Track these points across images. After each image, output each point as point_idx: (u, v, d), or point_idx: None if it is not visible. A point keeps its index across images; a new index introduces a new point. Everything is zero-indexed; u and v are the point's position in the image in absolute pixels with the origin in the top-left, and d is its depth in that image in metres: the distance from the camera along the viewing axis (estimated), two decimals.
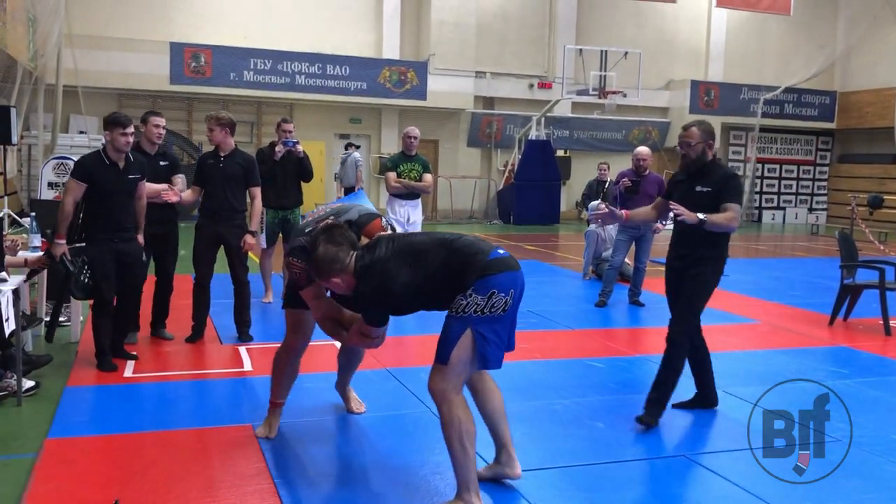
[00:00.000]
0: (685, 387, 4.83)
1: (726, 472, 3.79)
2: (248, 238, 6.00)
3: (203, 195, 6.10)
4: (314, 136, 18.42)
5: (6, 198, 10.24)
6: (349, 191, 13.19)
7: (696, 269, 4.41)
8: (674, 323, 4.48)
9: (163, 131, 5.95)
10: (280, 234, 7.49)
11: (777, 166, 24.44)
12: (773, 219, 24.03)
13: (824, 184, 24.94)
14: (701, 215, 4.22)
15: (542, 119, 19.65)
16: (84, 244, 5.28)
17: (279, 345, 4.19)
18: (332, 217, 3.68)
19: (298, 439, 4.11)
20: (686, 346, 4.46)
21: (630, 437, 4.26)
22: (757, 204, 24.07)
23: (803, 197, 24.80)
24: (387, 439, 4.19)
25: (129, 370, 5.26)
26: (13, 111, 9.48)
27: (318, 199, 16.09)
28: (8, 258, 5.00)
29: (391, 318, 3.61)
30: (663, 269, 4.71)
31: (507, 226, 18.95)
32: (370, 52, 19.46)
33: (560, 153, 20.66)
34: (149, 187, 5.63)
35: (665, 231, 7.13)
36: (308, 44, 18.46)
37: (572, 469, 3.83)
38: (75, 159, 9.27)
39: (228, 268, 6.15)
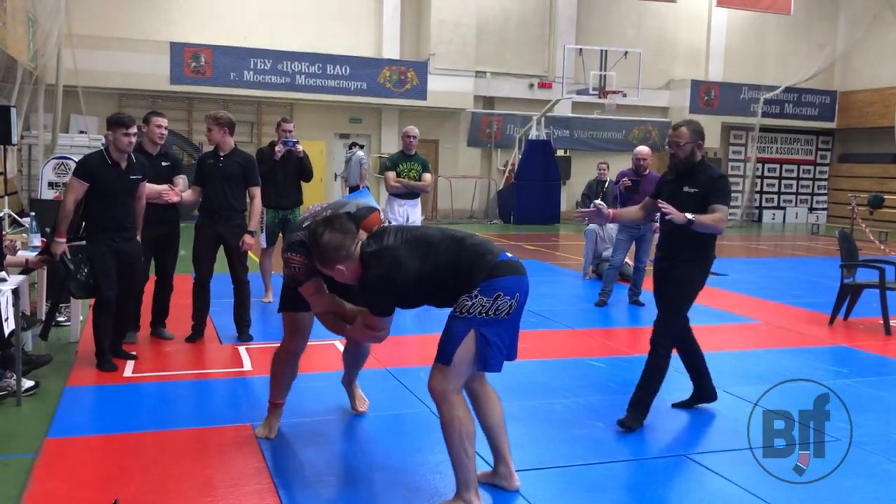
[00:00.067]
0: (684, 387, 4.83)
1: (726, 472, 3.79)
2: (247, 238, 6.00)
3: (203, 195, 6.10)
4: (314, 136, 18.41)
5: (6, 198, 10.23)
6: (354, 190, 13.23)
7: (681, 269, 4.37)
8: (658, 324, 4.44)
9: (165, 132, 5.96)
10: (280, 234, 7.48)
11: (777, 166, 24.44)
12: (773, 218, 24.02)
13: (824, 183, 24.93)
14: (689, 215, 4.18)
15: (543, 119, 19.64)
16: (84, 243, 5.29)
17: (278, 345, 4.18)
18: (329, 211, 3.65)
19: (298, 439, 4.11)
20: (669, 348, 4.42)
21: (630, 437, 4.25)
22: (757, 203, 24.07)
23: (803, 196, 24.79)
24: (386, 439, 4.19)
25: (128, 370, 5.26)
26: (13, 111, 9.47)
27: (319, 199, 16.09)
28: (8, 258, 5.00)
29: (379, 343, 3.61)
30: None
31: (508, 225, 18.95)
32: (370, 51, 19.46)
33: (560, 153, 20.66)
34: (149, 188, 5.63)
35: None
36: (308, 44, 18.45)
37: (572, 468, 3.82)
38: (75, 159, 9.28)
39: (228, 267, 6.15)
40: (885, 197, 19.36)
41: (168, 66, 17.12)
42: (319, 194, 17.59)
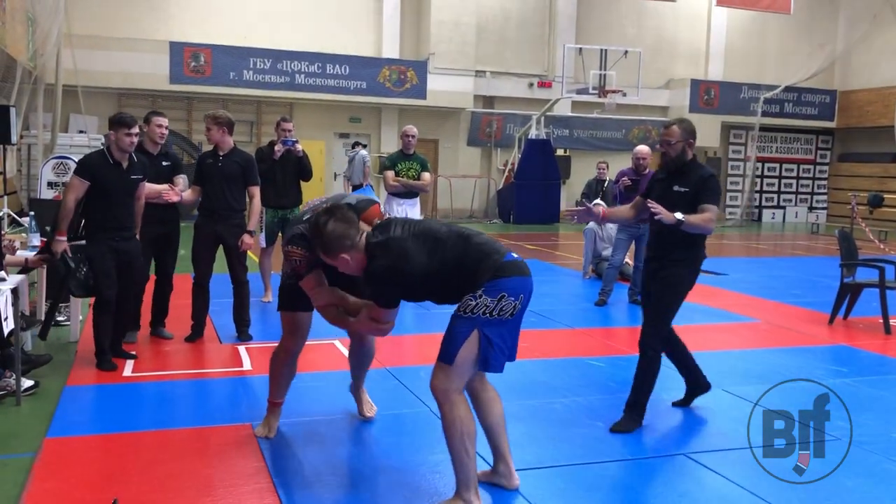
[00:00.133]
0: (681, 385, 4.83)
1: (725, 471, 3.79)
2: (246, 238, 5.99)
3: (202, 194, 6.10)
4: (314, 136, 18.42)
5: (6, 197, 10.22)
6: (357, 188, 13.28)
7: (670, 269, 4.34)
8: (646, 325, 4.40)
9: (165, 131, 5.96)
10: (279, 234, 7.48)
11: (777, 165, 24.44)
12: (773, 218, 24.02)
13: (824, 183, 24.93)
14: (679, 215, 4.15)
15: (542, 118, 19.64)
16: (84, 242, 5.29)
17: (277, 345, 4.17)
18: (329, 203, 3.62)
19: (297, 439, 4.10)
20: (659, 349, 4.39)
21: (630, 437, 4.25)
22: (757, 203, 24.07)
23: (803, 196, 24.79)
24: (386, 438, 4.18)
25: (128, 369, 5.26)
26: (13, 111, 9.46)
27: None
28: (7, 258, 5.00)
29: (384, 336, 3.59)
30: None
31: (507, 225, 18.95)
32: (370, 51, 19.46)
33: (560, 152, 20.65)
34: (149, 187, 5.63)
35: None
36: (308, 43, 18.45)
37: (572, 468, 3.82)
38: (75, 159, 9.28)
39: (227, 267, 6.15)
40: (885, 196, 19.37)
41: (167, 65, 17.12)
42: (319, 194, 17.52)
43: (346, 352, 5.76)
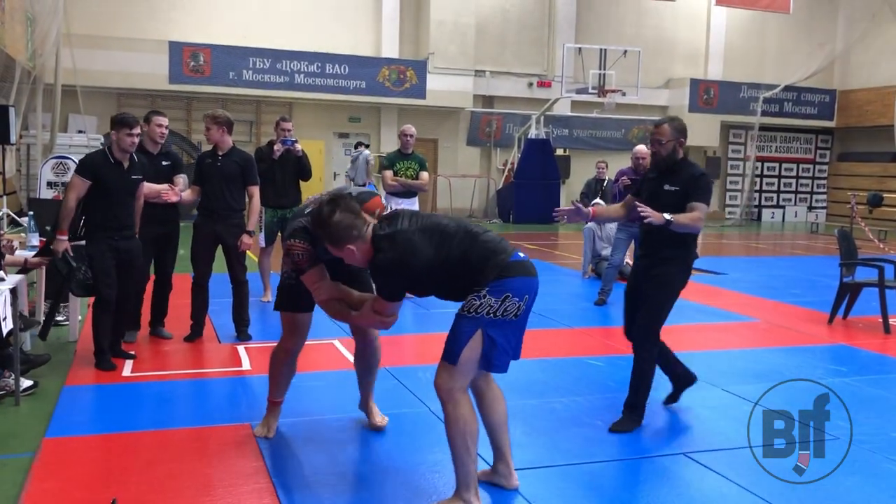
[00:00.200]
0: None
1: (725, 471, 3.78)
2: (245, 238, 5.99)
3: (201, 194, 6.10)
4: (313, 135, 18.42)
5: (5, 197, 10.22)
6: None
7: (661, 268, 4.30)
8: (640, 325, 4.36)
9: (165, 131, 5.95)
10: (279, 234, 7.48)
11: (777, 164, 24.45)
12: (772, 217, 24.03)
13: (824, 182, 24.94)
14: (667, 215, 4.10)
15: (542, 118, 19.64)
16: (84, 242, 5.29)
17: (276, 344, 4.17)
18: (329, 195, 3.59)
19: (296, 439, 4.10)
20: (654, 349, 4.37)
21: (629, 436, 4.25)
22: (756, 202, 24.08)
23: (803, 195, 24.80)
24: (385, 438, 4.18)
25: (127, 369, 5.25)
26: (12, 110, 9.47)
27: None
28: (7, 257, 5.00)
29: (387, 329, 3.57)
30: None
31: (507, 224, 18.94)
32: (369, 50, 19.45)
33: (559, 152, 20.65)
34: (149, 187, 5.63)
35: None
36: (307, 43, 18.45)
37: (571, 467, 3.82)
38: (74, 159, 9.29)
39: (227, 267, 6.14)
40: (885, 195, 19.37)
41: (167, 65, 17.12)
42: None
43: (345, 351, 5.78)
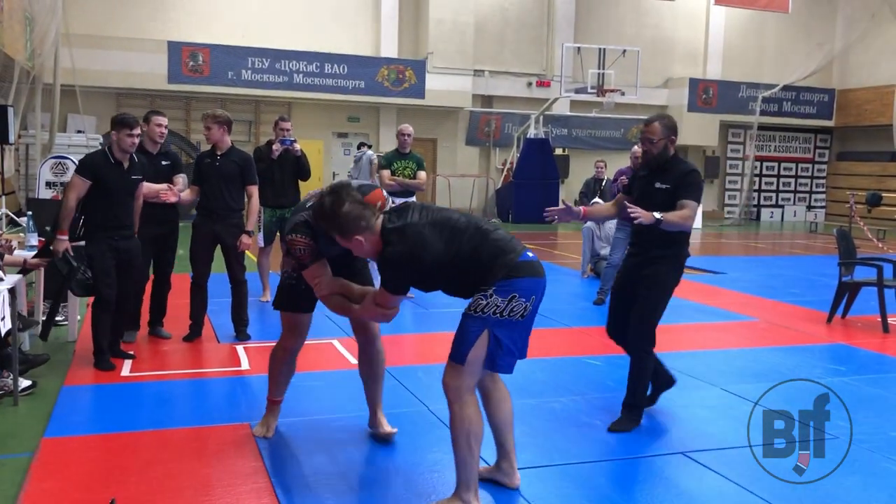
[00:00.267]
0: (679, 384, 4.83)
1: (724, 470, 3.78)
2: (244, 238, 5.99)
3: (200, 194, 6.09)
4: (312, 135, 18.42)
5: (3, 197, 10.22)
6: None
7: (651, 268, 4.28)
8: (634, 326, 4.34)
9: (165, 130, 5.95)
10: (277, 234, 7.48)
11: (775, 164, 24.46)
12: (771, 216, 24.05)
13: (823, 181, 24.96)
14: (657, 214, 4.07)
15: (541, 117, 19.64)
16: (84, 242, 5.29)
17: (275, 344, 4.16)
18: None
19: (295, 438, 4.10)
20: (649, 348, 4.35)
21: (628, 435, 4.25)
22: (755, 202, 24.08)
23: (802, 195, 24.81)
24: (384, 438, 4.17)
25: (126, 369, 5.25)
26: (10, 110, 9.46)
27: None
28: (6, 257, 4.99)
29: (388, 322, 3.56)
30: None
31: (506, 224, 18.93)
32: (368, 50, 19.45)
33: (558, 151, 20.66)
34: (148, 187, 5.63)
35: None
36: (306, 42, 18.45)
37: (570, 467, 3.82)
38: (73, 159, 9.28)
39: (225, 267, 6.14)
40: (883, 195, 19.38)
41: (166, 65, 17.12)
42: None
43: (344, 351, 5.78)
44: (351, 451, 4.03)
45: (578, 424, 4.41)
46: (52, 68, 13.01)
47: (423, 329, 6.77)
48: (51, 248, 5.14)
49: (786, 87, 22.33)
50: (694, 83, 22.02)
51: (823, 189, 24.92)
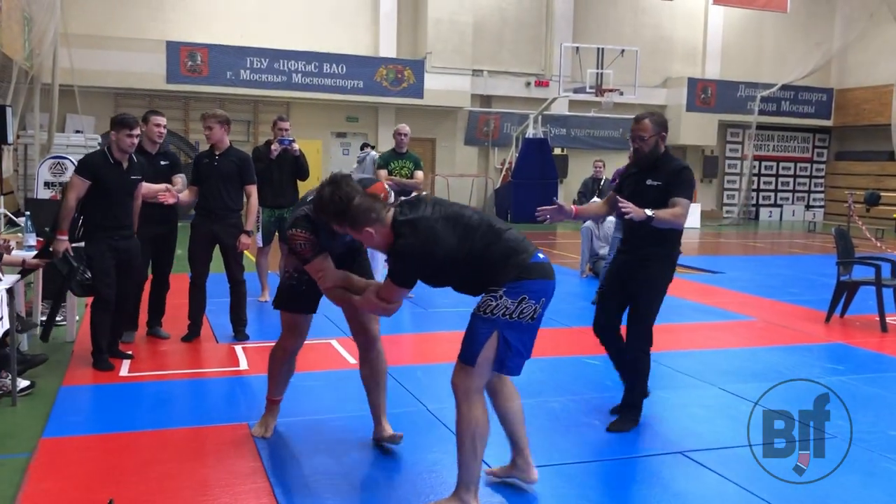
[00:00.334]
0: (678, 384, 4.83)
1: (723, 470, 3.78)
2: (244, 238, 5.99)
3: (199, 194, 6.09)
4: (311, 135, 18.41)
5: (2, 197, 10.21)
6: None
7: (644, 271, 4.26)
8: (630, 326, 4.33)
9: (163, 130, 5.95)
10: (276, 233, 7.47)
11: (774, 163, 24.47)
12: (770, 216, 24.06)
13: (821, 181, 24.97)
14: (649, 211, 4.04)
15: (539, 117, 19.63)
16: (83, 242, 5.29)
17: (275, 343, 4.16)
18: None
19: (294, 438, 4.10)
20: (646, 348, 4.34)
21: (627, 435, 4.25)
22: (754, 201, 24.10)
23: (800, 194, 24.83)
24: None
25: (124, 369, 5.25)
26: (9, 110, 9.45)
27: None
28: (4, 258, 4.99)
29: (388, 317, 3.56)
30: None
31: None
32: (367, 50, 19.45)
33: (557, 151, 20.66)
34: (146, 187, 5.62)
35: None
36: (304, 42, 18.44)
37: (569, 466, 3.82)
38: (72, 159, 9.27)
39: (224, 267, 6.14)
40: (882, 194, 19.40)
41: (164, 65, 17.10)
42: None
43: (343, 351, 5.78)
44: (350, 451, 4.03)
45: (577, 424, 4.42)
46: (51, 68, 13.00)
47: (423, 329, 6.77)
48: (50, 248, 5.14)
49: (784, 87, 22.34)
50: (692, 83, 22.03)
51: (822, 188, 24.94)
